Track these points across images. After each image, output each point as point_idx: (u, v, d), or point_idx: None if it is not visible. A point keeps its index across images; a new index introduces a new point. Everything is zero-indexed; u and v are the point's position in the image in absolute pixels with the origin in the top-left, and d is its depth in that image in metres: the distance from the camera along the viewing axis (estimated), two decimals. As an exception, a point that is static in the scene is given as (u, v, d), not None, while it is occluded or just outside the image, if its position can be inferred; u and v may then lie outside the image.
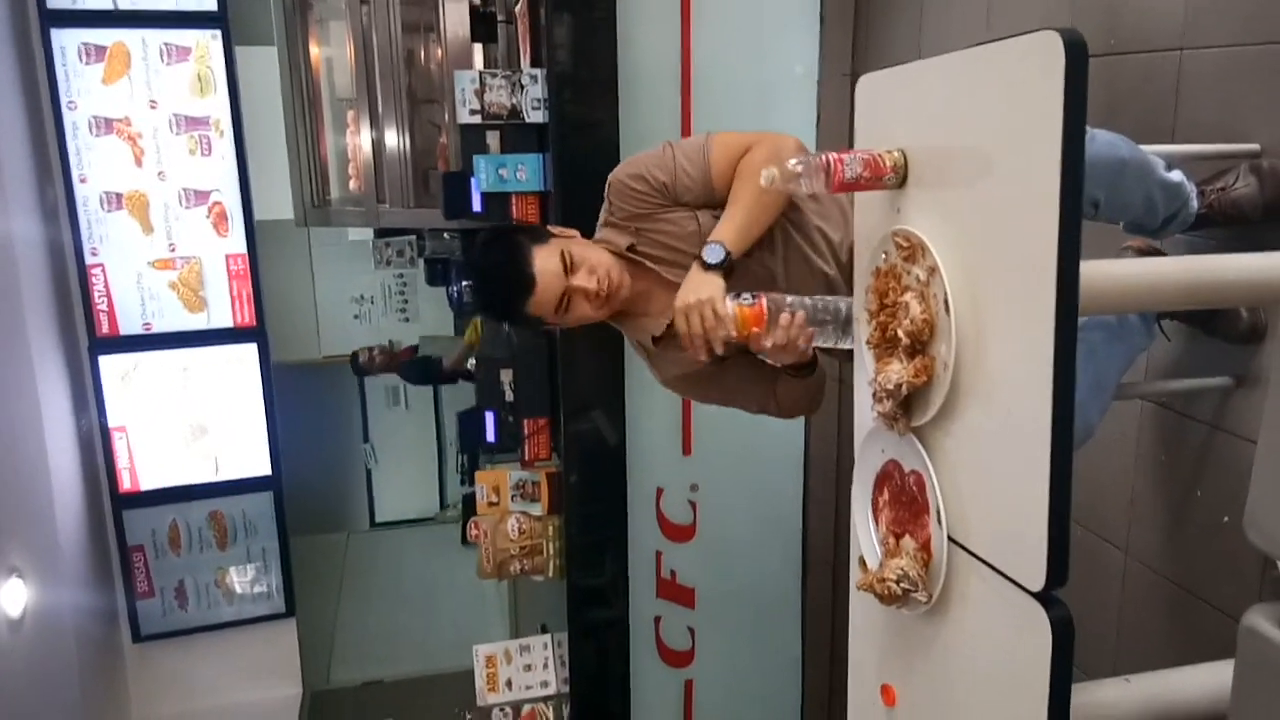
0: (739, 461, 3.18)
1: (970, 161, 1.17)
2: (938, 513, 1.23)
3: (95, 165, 3.42)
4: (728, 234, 1.53)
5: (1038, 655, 1.07)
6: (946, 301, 1.19)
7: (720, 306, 1.45)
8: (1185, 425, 1.87)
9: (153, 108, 3.45)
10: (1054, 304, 1.03)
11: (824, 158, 1.26)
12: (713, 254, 1.51)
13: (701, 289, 1.47)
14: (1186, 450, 1.88)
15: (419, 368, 5.39)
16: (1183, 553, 1.91)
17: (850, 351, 1.65)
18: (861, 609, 1.47)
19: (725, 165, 1.60)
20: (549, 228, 1.68)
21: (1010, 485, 1.11)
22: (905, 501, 1.31)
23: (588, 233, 1.71)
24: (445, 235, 4.93)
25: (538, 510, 3.07)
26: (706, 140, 1.64)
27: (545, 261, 1.55)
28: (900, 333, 1.24)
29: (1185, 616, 1.90)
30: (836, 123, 3.03)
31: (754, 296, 1.42)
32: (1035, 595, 1.08)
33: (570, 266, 1.56)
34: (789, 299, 1.44)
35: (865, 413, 1.38)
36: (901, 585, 1.27)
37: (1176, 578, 1.92)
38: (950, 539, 1.22)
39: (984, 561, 1.17)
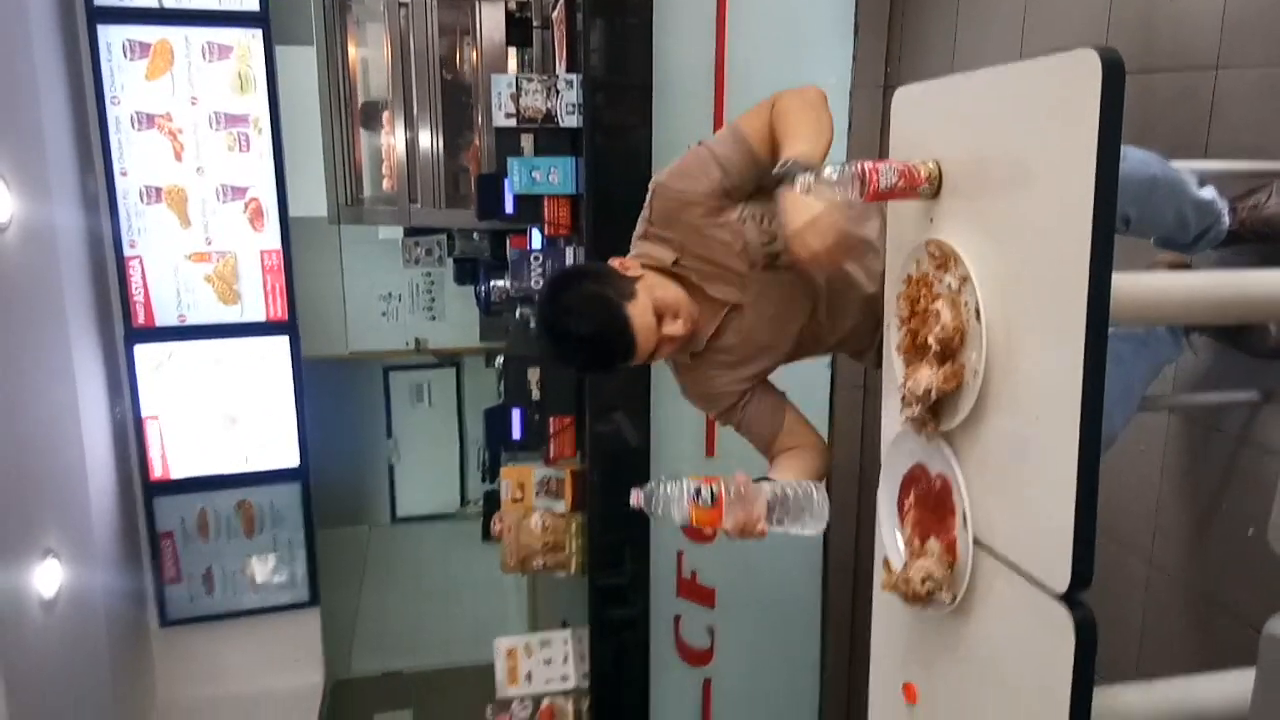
0: (762, 463, 3.19)
1: (1005, 174, 1.20)
2: (964, 515, 1.26)
3: (136, 159, 3.49)
4: (800, 150, 1.43)
5: (1061, 656, 1.09)
6: (978, 310, 1.21)
7: (832, 215, 1.38)
8: (1212, 438, 1.88)
9: (194, 104, 3.52)
10: (1085, 314, 1.05)
11: (859, 166, 1.29)
12: (796, 173, 1.39)
13: (809, 207, 1.38)
14: (1212, 463, 1.89)
15: None
16: (1207, 564, 1.92)
17: (861, 352, 1.68)
18: (884, 609, 1.50)
19: (760, 126, 1.54)
20: (613, 263, 1.59)
21: (1037, 489, 1.14)
22: (931, 504, 1.34)
23: (621, 244, 1.68)
24: (474, 235, 4.99)
25: (561, 507, 3.11)
26: (725, 129, 1.61)
27: (640, 319, 1.50)
28: (931, 339, 1.27)
29: (1207, 626, 1.91)
30: (869, 132, 3.06)
31: (714, 497, 1.37)
32: (1059, 597, 1.10)
33: (660, 316, 1.52)
34: (764, 488, 1.39)
35: (893, 417, 1.41)
36: (926, 586, 1.29)
37: (1199, 587, 1.93)
38: (976, 541, 1.25)
39: (1009, 564, 1.20)
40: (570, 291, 1.55)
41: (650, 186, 1.62)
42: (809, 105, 1.52)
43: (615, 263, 1.59)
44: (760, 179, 1.57)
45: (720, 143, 1.58)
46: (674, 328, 1.53)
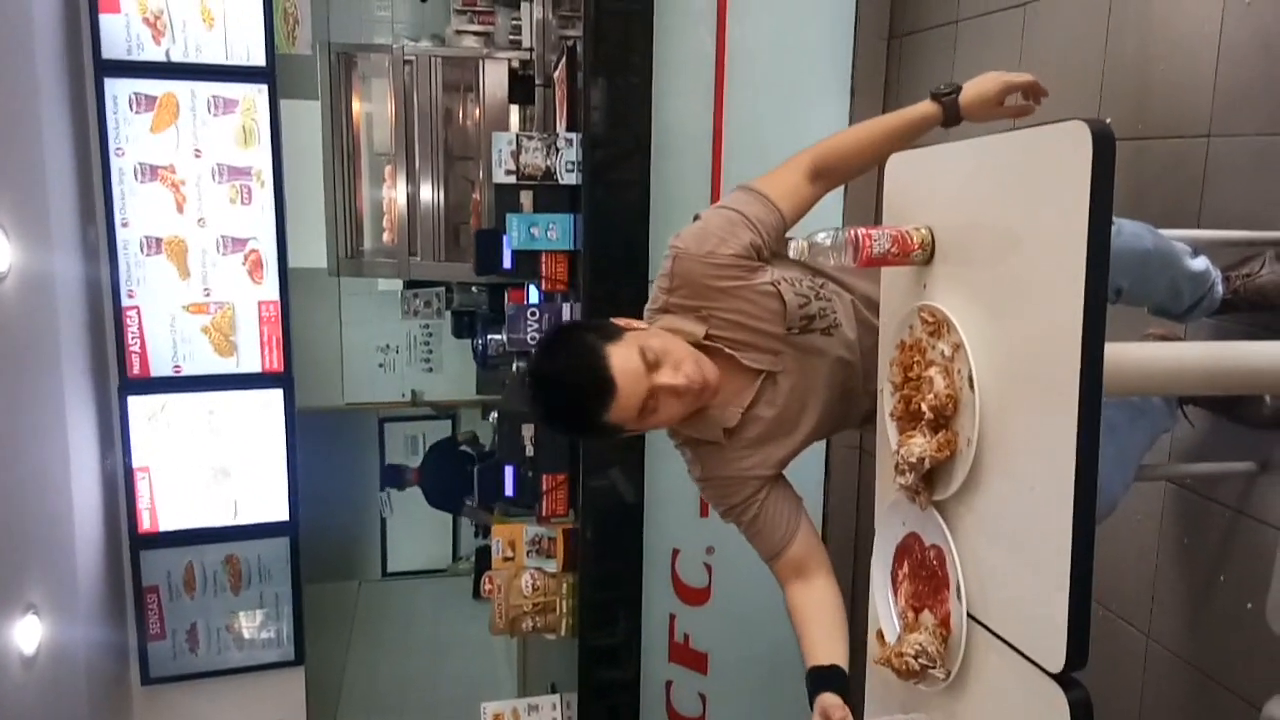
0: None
1: (998, 242, 1.19)
2: (958, 588, 1.23)
3: (138, 210, 3.50)
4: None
5: (1057, 738, 1.06)
6: (971, 378, 1.20)
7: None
8: (1209, 509, 1.86)
9: (197, 157, 3.54)
10: (1078, 384, 1.04)
11: (852, 233, 1.29)
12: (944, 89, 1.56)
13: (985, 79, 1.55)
14: (1210, 534, 1.87)
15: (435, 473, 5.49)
16: (1205, 638, 1.88)
17: (872, 419, 1.65)
18: (878, 683, 1.46)
19: (787, 183, 1.53)
20: (615, 321, 1.48)
21: (1032, 563, 1.12)
22: (925, 576, 1.31)
23: (617, 300, 1.64)
24: (472, 289, 5.01)
25: (553, 567, 3.06)
26: (741, 192, 1.55)
27: (624, 360, 1.36)
28: (924, 407, 1.26)
29: (1206, 703, 1.87)
30: (864, 192, 3.08)
31: None
32: (1054, 676, 1.08)
33: (652, 363, 1.38)
34: None
35: (887, 485, 1.39)
36: (920, 661, 1.26)
37: (1198, 663, 1.89)
38: (970, 615, 1.22)
39: (1003, 640, 1.17)
40: (554, 337, 1.50)
41: (670, 253, 1.51)
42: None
43: (619, 321, 1.48)
44: (783, 238, 1.52)
45: (745, 204, 1.51)
46: (670, 376, 1.38)
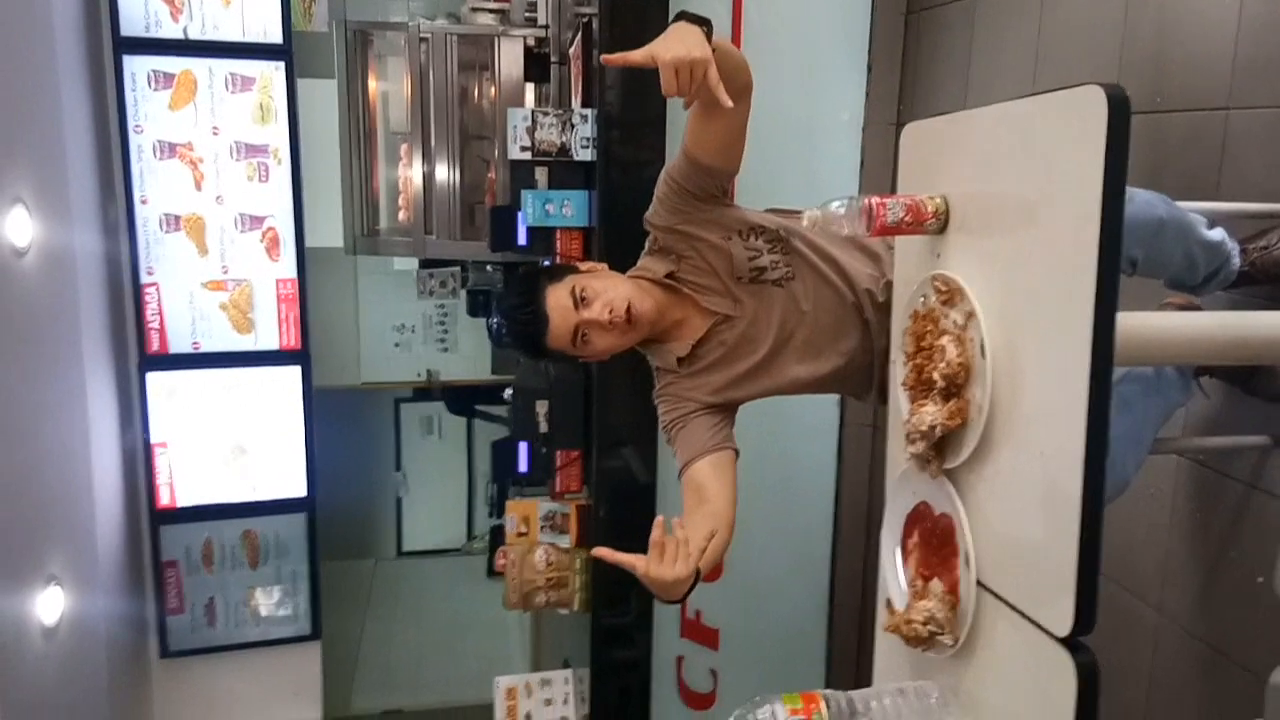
0: (769, 501, 3.17)
1: (1012, 210, 1.19)
2: (966, 556, 1.24)
3: (157, 188, 3.52)
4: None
5: (1063, 701, 1.07)
6: (983, 346, 1.20)
7: (712, 70, 1.39)
8: (1222, 483, 1.85)
9: (215, 134, 3.56)
10: (1089, 352, 1.04)
11: (867, 201, 1.29)
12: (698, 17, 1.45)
13: (688, 40, 1.40)
14: (1222, 509, 1.86)
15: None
16: (1216, 613, 1.88)
17: (885, 393, 1.66)
18: (887, 651, 1.47)
19: (689, 127, 1.64)
20: (577, 264, 1.73)
21: (1040, 530, 1.12)
22: (935, 544, 1.32)
23: (627, 269, 1.75)
24: (488, 268, 5.02)
25: (566, 543, 3.09)
26: None
27: (557, 298, 1.60)
28: (936, 375, 1.26)
29: (1217, 678, 1.87)
30: (880, 169, 3.07)
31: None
32: (1062, 641, 1.08)
33: (581, 301, 1.60)
34: (870, 704, 1.26)
35: (898, 454, 1.39)
36: (928, 628, 1.27)
37: (1208, 638, 1.89)
38: (978, 583, 1.23)
39: (1011, 606, 1.17)
40: (516, 280, 1.74)
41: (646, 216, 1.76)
42: None
43: (583, 265, 1.72)
44: (724, 165, 1.67)
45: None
46: (594, 312, 1.58)
